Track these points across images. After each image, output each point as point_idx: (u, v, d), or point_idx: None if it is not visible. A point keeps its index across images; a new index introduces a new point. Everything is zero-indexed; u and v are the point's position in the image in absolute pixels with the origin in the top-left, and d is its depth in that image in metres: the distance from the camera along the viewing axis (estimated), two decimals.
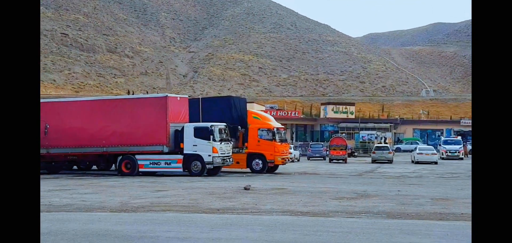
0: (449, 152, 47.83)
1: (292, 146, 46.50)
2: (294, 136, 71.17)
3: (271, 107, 76.68)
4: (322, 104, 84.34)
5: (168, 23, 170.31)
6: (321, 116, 77.88)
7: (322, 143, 55.26)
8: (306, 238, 10.15)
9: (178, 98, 29.00)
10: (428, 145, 54.89)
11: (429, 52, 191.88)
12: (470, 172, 26.63)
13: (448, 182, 24.60)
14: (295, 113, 76.68)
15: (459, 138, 55.24)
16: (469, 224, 12.23)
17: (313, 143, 57.51)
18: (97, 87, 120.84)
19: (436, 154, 42.44)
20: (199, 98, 33.26)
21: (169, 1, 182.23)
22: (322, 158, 47.75)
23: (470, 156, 49.55)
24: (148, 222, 12.04)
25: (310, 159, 48.43)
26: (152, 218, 12.75)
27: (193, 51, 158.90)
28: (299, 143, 61.51)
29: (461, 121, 75.08)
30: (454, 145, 49.50)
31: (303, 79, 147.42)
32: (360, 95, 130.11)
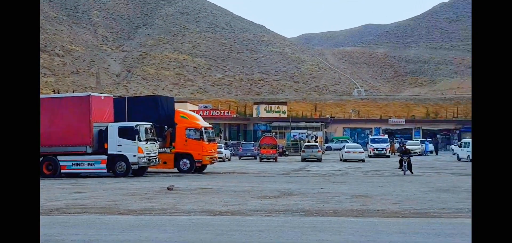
0: (377, 150, 49.19)
1: (222, 145, 46.46)
2: (227, 135, 71.09)
3: (205, 107, 76.27)
4: (254, 104, 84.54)
5: (100, 22, 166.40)
6: (254, 116, 78.17)
7: (254, 142, 55.47)
8: (218, 237, 10.06)
9: (102, 98, 28.30)
10: (357, 143, 56.19)
11: (361, 53, 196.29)
12: (395, 169, 27.12)
13: (371, 179, 25.13)
14: (228, 112, 76.62)
15: (386, 136, 56.88)
16: (382, 220, 12.51)
17: (244, 142, 57.66)
18: None
19: (363, 152, 43.58)
20: (124, 97, 32.59)
21: None
22: (253, 157, 47.94)
23: (396, 154, 51.05)
24: (58, 225, 11.62)
25: (241, 158, 48.56)
26: (63, 221, 12.33)
27: (126, 51, 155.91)
28: (232, 142, 61.50)
29: (389, 120, 77.27)
30: (381, 143, 50.96)
31: (238, 79, 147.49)
32: (294, 95, 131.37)
